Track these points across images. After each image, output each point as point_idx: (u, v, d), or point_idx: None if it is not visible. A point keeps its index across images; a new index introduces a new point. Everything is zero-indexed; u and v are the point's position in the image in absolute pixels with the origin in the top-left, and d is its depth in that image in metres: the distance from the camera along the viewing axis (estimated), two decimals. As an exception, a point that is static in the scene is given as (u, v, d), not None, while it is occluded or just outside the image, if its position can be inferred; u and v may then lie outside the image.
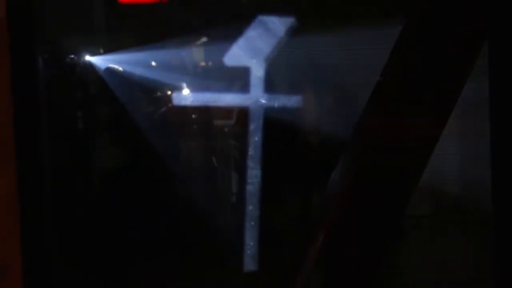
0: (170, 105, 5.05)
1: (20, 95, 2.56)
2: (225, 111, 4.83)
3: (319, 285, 2.28)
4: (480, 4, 2.13)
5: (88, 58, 5.15)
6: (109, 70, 4.94)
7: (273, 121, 4.62)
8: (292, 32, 4.63)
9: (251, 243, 4.70)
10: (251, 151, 4.61)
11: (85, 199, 4.82)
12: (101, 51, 5.17)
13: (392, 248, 2.99)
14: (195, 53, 5.36)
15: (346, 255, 2.25)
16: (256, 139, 4.61)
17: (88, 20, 5.09)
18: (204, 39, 5.25)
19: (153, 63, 5.10)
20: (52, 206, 3.28)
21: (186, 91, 5.24)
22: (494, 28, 2.21)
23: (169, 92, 5.23)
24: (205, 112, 4.91)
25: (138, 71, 4.98)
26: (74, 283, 3.94)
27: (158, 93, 5.05)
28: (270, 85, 4.74)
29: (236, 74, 4.71)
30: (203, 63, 5.40)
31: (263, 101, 4.66)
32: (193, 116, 5.02)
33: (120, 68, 5.01)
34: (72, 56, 5.15)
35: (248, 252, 4.59)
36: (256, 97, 4.68)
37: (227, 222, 4.95)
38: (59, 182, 4.04)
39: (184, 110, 5.01)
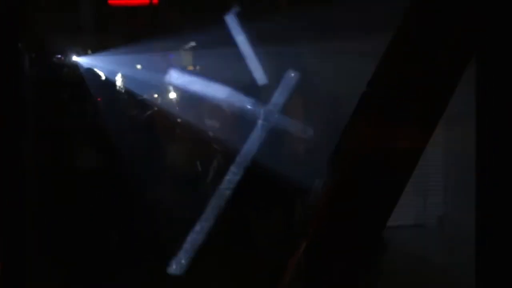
0: (155, 107, 5.03)
1: (3, 92, 2.53)
2: (211, 115, 4.81)
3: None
4: (470, 15, 2.14)
5: (75, 58, 5.13)
6: (95, 70, 4.91)
7: (259, 127, 4.61)
8: (280, 37, 4.63)
9: (233, 249, 4.70)
10: (235, 156, 4.59)
11: (68, 199, 4.79)
12: (89, 51, 5.15)
13: (374, 258, 2.98)
14: (183, 56, 5.35)
15: (328, 265, 2.25)
16: (240, 144, 4.59)
17: (77, 21, 5.07)
18: (192, 43, 5.24)
19: (140, 66, 5.08)
20: (32, 206, 3.26)
21: (172, 95, 5.23)
22: (483, 39, 2.22)
23: (155, 95, 5.22)
24: (189, 115, 4.89)
25: (124, 72, 4.96)
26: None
27: (143, 95, 5.03)
28: (257, 90, 4.74)
29: (224, 78, 4.70)
30: (190, 67, 5.40)
31: (250, 107, 4.65)
32: (177, 119, 5.00)
33: (107, 69, 5.00)
34: (59, 56, 5.13)
35: (228, 258, 4.58)
36: (242, 102, 4.68)
37: (209, 226, 4.95)
38: (40, 182, 4.01)
39: (169, 113, 5.00)
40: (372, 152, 2.18)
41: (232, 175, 4.54)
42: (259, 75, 4.72)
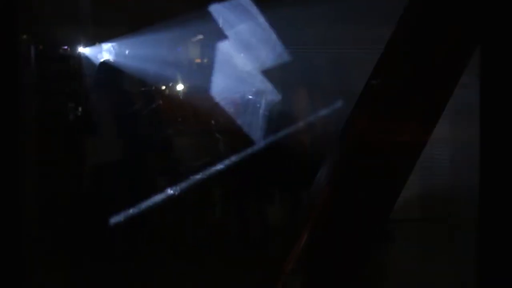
0: (160, 98, 5.01)
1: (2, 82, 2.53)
2: (213, 106, 4.79)
3: (301, 285, 2.27)
4: (471, 10, 2.12)
5: (80, 49, 5.13)
6: (99, 61, 4.89)
7: (261, 117, 4.60)
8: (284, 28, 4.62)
9: (235, 240, 4.71)
10: (238, 147, 4.58)
11: (73, 193, 4.80)
12: (93, 42, 5.15)
13: (376, 250, 2.98)
14: (188, 48, 5.34)
15: (329, 255, 2.24)
16: (243, 134, 4.58)
17: (80, 11, 5.07)
18: (199, 35, 5.24)
19: (144, 55, 5.07)
20: (34, 200, 3.25)
21: (177, 85, 5.23)
22: (486, 34, 2.20)
23: (160, 86, 5.21)
24: (194, 105, 4.87)
25: (127, 62, 4.94)
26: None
27: (148, 86, 5.01)
28: (259, 81, 4.72)
29: (224, 68, 4.69)
30: (197, 60, 5.39)
31: (251, 97, 4.64)
32: (183, 109, 4.98)
33: (111, 60, 4.99)
34: (65, 47, 5.12)
35: (232, 249, 4.58)
36: (244, 92, 4.67)
37: (211, 218, 4.96)
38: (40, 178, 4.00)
39: (174, 104, 5.00)
40: (374, 145, 2.17)
41: (235, 166, 4.53)
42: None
